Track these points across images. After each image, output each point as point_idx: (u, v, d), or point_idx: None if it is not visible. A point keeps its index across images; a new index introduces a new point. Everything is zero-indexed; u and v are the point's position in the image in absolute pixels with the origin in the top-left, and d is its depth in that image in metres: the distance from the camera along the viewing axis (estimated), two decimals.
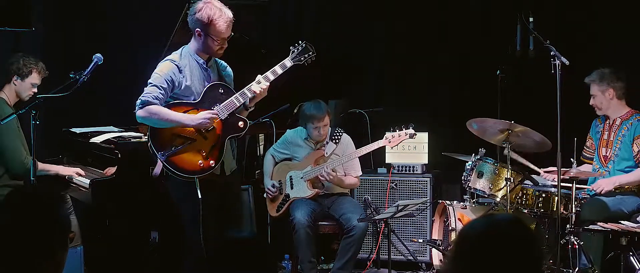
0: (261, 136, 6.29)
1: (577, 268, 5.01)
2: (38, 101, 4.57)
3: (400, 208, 5.20)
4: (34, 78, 5.15)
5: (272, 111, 5.78)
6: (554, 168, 5.12)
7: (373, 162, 6.34)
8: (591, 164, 5.57)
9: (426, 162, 6.21)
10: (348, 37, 6.84)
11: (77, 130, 5.71)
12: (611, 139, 5.42)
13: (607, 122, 5.47)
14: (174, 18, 5.08)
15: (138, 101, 4.33)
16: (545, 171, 5.40)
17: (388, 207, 5.77)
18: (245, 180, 5.90)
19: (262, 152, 6.23)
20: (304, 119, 5.48)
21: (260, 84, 4.42)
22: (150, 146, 4.39)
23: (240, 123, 4.47)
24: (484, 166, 5.44)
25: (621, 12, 6.09)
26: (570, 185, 5.00)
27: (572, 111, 5.19)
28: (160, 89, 4.33)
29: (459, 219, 5.45)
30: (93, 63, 4.57)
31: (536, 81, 5.84)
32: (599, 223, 4.86)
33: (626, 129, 5.35)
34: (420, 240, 6.02)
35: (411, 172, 6.18)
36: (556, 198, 5.09)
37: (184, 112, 4.39)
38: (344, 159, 5.47)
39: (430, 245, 5.84)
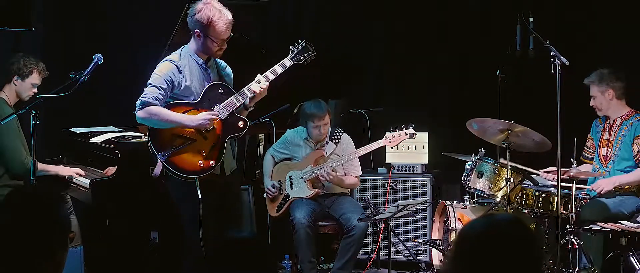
0: (261, 136, 6.29)
1: (577, 268, 5.01)
2: (38, 101, 4.57)
3: (400, 208, 5.20)
4: (35, 78, 5.15)
5: (272, 111, 5.78)
6: (554, 168, 5.12)
7: (373, 162, 6.34)
8: (591, 164, 5.57)
9: (426, 162, 6.21)
10: (347, 37, 6.84)
11: (77, 130, 5.72)
12: (611, 139, 5.42)
13: (608, 122, 5.47)
14: (174, 18, 5.08)
15: (138, 102, 4.33)
16: (544, 172, 5.40)
17: (388, 207, 5.77)
18: (245, 180, 5.90)
19: (262, 152, 6.23)
20: (304, 118, 5.48)
21: (259, 84, 4.42)
22: (150, 147, 4.39)
23: (240, 123, 4.47)
24: (483, 166, 5.44)
25: (621, 12, 6.09)
26: (570, 184, 5.00)
27: (572, 111, 5.19)
28: (159, 89, 4.33)
29: (459, 219, 5.45)
30: (93, 63, 4.56)
31: (536, 81, 5.84)
32: (598, 223, 4.87)
33: (626, 129, 5.35)
34: (420, 240, 6.02)
35: (411, 172, 6.18)
36: (556, 198, 5.09)
37: (184, 112, 4.39)
38: (344, 159, 5.47)
39: (430, 245, 5.84)
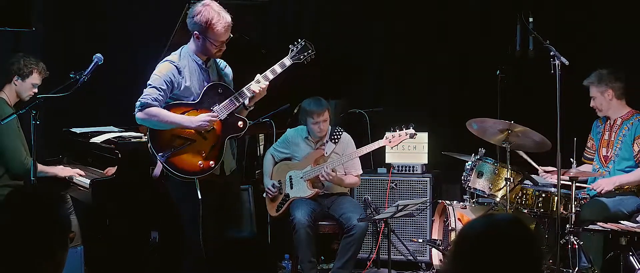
0: (261, 136, 6.29)
1: (576, 268, 5.01)
2: (38, 101, 4.57)
3: (400, 208, 5.20)
4: (35, 78, 5.15)
5: (272, 111, 5.77)
6: (554, 168, 5.12)
7: (373, 162, 6.34)
8: (592, 164, 5.57)
9: (426, 162, 6.21)
10: (347, 37, 6.84)
11: (77, 130, 5.72)
12: (612, 139, 5.42)
13: (608, 122, 5.47)
14: (174, 18, 5.08)
15: (137, 103, 4.32)
16: (544, 171, 5.40)
17: (388, 207, 5.77)
18: (245, 180, 5.90)
19: (262, 152, 6.23)
20: (303, 115, 5.49)
21: (259, 84, 4.42)
22: (150, 148, 4.39)
23: (240, 123, 4.47)
24: (483, 166, 5.44)
25: (621, 12, 6.09)
26: (570, 183, 5.00)
27: (571, 111, 5.19)
28: (159, 90, 4.33)
29: (458, 219, 5.45)
30: (93, 63, 4.56)
31: (536, 81, 5.84)
32: (598, 223, 4.87)
33: (627, 129, 5.35)
34: (420, 240, 6.02)
35: (411, 172, 6.18)
36: (556, 198, 5.09)
37: (183, 112, 4.39)
38: (344, 158, 5.47)
39: (430, 245, 5.84)
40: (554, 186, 5.06)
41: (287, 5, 6.99)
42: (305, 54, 4.57)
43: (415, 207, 5.48)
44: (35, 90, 5.15)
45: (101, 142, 5.39)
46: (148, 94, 4.32)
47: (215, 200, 4.44)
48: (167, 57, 4.46)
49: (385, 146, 5.47)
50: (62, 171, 5.24)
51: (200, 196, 4.32)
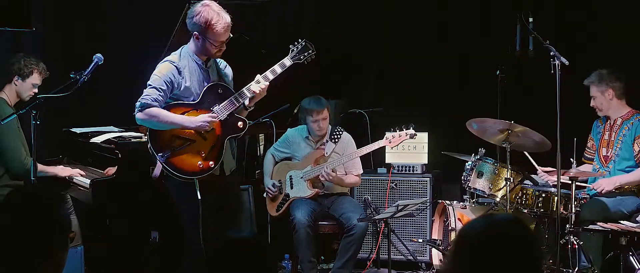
0: (261, 136, 6.29)
1: (576, 268, 5.01)
2: (38, 101, 4.57)
3: (400, 208, 5.20)
4: (35, 78, 5.15)
5: (272, 111, 5.77)
6: (553, 169, 5.12)
7: (373, 162, 6.34)
8: (592, 164, 5.57)
9: (426, 162, 6.21)
10: (347, 37, 6.84)
11: (78, 130, 5.72)
12: (612, 139, 5.42)
13: (608, 122, 5.48)
14: (174, 18, 5.08)
15: (137, 104, 4.32)
16: (543, 171, 5.40)
17: (388, 207, 5.77)
18: (245, 180, 5.90)
19: (262, 152, 6.23)
20: (303, 113, 5.50)
21: (259, 84, 4.42)
22: (149, 148, 4.39)
23: (240, 123, 4.47)
24: (483, 166, 5.44)
25: (621, 12, 6.09)
26: (570, 183, 5.00)
27: (571, 111, 5.19)
28: (159, 91, 4.33)
29: (458, 219, 5.45)
30: (93, 63, 4.56)
31: (536, 81, 5.84)
32: (598, 223, 4.87)
33: (627, 129, 5.35)
34: (420, 240, 6.02)
35: (411, 172, 6.18)
36: (556, 198, 5.10)
37: (183, 113, 4.39)
38: (345, 158, 5.47)
39: (430, 245, 5.84)
40: (554, 186, 5.06)
41: (287, 5, 6.99)
42: (306, 54, 4.56)
43: (415, 207, 5.48)
44: (36, 90, 5.15)
45: (101, 142, 5.39)
46: (148, 94, 4.32)
47: (215, 200, 4.44)
48: (167, 58, 4.46)
49: (385, 146, 5.47)
50: (62, 171, 5.24)
51: (199, 197, 4.32)
